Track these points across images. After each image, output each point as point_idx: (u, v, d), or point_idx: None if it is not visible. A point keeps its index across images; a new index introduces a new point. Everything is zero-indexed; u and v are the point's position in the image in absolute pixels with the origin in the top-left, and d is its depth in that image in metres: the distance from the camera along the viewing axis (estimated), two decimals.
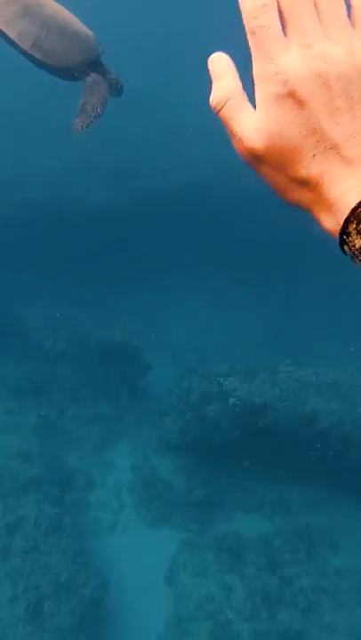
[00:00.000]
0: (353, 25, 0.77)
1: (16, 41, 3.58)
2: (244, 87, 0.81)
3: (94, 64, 3.91)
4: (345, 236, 0.74)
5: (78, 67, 3.82)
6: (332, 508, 7.78)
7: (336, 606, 6.66)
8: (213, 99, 0.80)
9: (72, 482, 7.99)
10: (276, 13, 0.74)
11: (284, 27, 0.75)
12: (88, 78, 3.87)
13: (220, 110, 0.80)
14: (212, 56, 0.82)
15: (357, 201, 0.72)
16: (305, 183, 0.77)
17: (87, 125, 3.77)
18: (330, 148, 0.73)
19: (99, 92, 3.87)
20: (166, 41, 18.46)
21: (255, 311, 11.47)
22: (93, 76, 3.88)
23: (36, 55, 3.64)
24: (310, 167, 0.75)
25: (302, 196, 0.79)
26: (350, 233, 0.73)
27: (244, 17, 0.75)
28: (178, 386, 8.92)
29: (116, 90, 4.04)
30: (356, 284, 12.24)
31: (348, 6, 0.78)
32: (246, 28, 0.75)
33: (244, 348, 9.84)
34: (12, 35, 3.58)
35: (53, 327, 10.68)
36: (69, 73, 3.86)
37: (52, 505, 6.99)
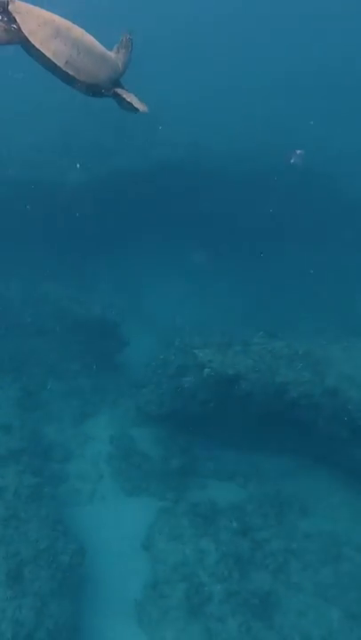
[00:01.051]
0: None
1: (52, 58, 3.98)
2: None
3: (118, 84, 4.36)
4: None
5: (105, 84, 4.25)
6: (302, 475, 8.11)
7: (303, 567, 7.01)
8: None
9: (52, 453, 8.21)
10: None
11: None
12: (114, 90, 4.34)
13: None
14: None
15: None
16: None
17: (141, 101, 4.35)
18: None
19: (128, 94, 4.38)
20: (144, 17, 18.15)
21: (230, 285, 11.65)
22: (120, 90, 4.36)
23: (70, 72, 4.04)
24: None
25: None
26: None
27: None
28: (155, 359, 9.12)
29: (131, 110, 4.47)
30: (327, 260, 12.48)
31: None
32: None
33: (219, 321, 10.03)
34: (48, 53, 3.96)
35: (33, 302, 10.79)
36: (97, 89, 4.28)
37: (32, 475, 7.19)
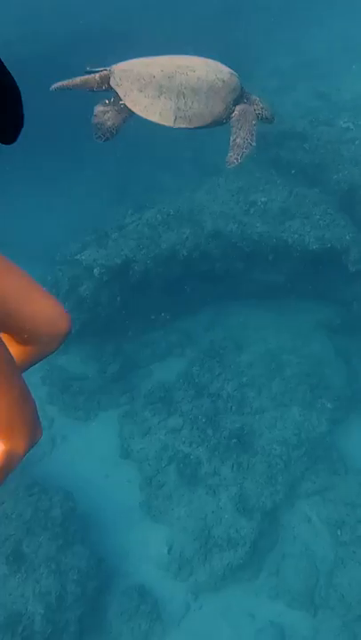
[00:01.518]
0: None
1: (159, 123, 3.73)
2: None
3: (238, 100, 3.90)
4: None
5: (223, 114, 3.84)
6: (222, 318, 8.50)
7: (258, 391, 7.63)
8: None
9: None
10: None
11: None
12: (233, 115, 3.88)
13: None
14: None
15: None
16: None
17: (241, 157, 3.84)
18: None
19: (246, 124, 3.87)
20: None
21: (85, 182, 11.09)
22: (238, 108, 3.89)
23: (182, 126, 3.74)
24: None
25: None
26: None
27: None
28: (44, 282, 8.85)
29: (266, 119, 4.03)
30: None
31: None
32: None
33: (87, 218, 9.68)
34: (154, 119, 3.71)
35: None
36: (218, 123, 3.88)
37: None
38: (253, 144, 3.87)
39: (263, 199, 7.74)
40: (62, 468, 7.30)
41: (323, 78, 9.30)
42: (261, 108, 4.00)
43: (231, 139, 3.87)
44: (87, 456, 7.61)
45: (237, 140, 3.86)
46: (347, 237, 7.39)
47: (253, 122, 3.91)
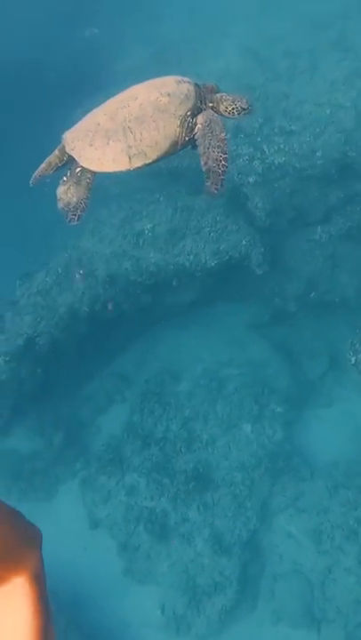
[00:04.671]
0: None
1: (117, 170, 3.29)
2: None
3: (197, 108, 3.33)
4: None
5: (183, 132, 3.29)
6: (154, 347, 8.19)
7: (204, 420, 7.42)
8: None
9: None
10: None
11: None
12: (195, 129, 3.31)
13: None
14: None
15: None
16: None
17: (220, 184, 3.29)
18: None
19: (212, 138, 3.29)
20: None
21: None
22: (200, 120, 3.31)
23: (140, 164, 3.27)
24: None
25: None
26: None
27: None
28: None
29: (243, 109, 3.45)
30: None
31: None
32: None
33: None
34: (110, 169, 3.28)
35: None
36: (181, 144, 3.34)
37: None
38: (226, 164, 3.27)
39: (149, 225, 7.32)
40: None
41: (182, 65, 8.68)
42: (232, 103, 3.40)
43: (202, 162, 3.28)
44: (59, 535, 7.41)
45: (209, 163, 3.26)
46: (243, 242, 7.02)
47: (222, 133, 3.29)
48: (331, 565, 6.53)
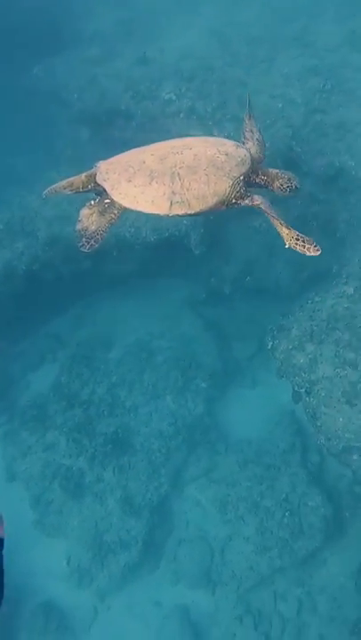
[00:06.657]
0: None
1: (152, 212, 3.28)
2: None
3: (249, 175, 3.45)
4: None
5: (232, 193, 3.33)
6: (86, 321, 8.36)
7: (129, 388, 7.67)
8: None
9: None
10: None
11: None
12: (248, 200, 3.42)
13: None
14: None
15: None
16: None
17: (306, 247, 3.44)
18: None
19: (272, 219, 3.45)
20: None
21: None
22: (255, 203, 3.43)
23: (180, 213, 3.28)
24: None
25: None
26: None
27: None
28: None
29: (291, 192, 3.62)
30: None
31: None
32: None
33: None
34: (145, 209, 3.27)
35: None
36: (226, 204, 3.39)
37: None
38: (298, 237, 3.45)
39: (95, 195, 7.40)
40: None
41: (147, 38, 8.70)
42: (288, 182, 3.61)
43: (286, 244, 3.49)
44: None
45: (294, 243, 3.46)
46: (184, 222, 7.21)
47: (272, 213, 3.43)
48: (232, 534, 6.94)
